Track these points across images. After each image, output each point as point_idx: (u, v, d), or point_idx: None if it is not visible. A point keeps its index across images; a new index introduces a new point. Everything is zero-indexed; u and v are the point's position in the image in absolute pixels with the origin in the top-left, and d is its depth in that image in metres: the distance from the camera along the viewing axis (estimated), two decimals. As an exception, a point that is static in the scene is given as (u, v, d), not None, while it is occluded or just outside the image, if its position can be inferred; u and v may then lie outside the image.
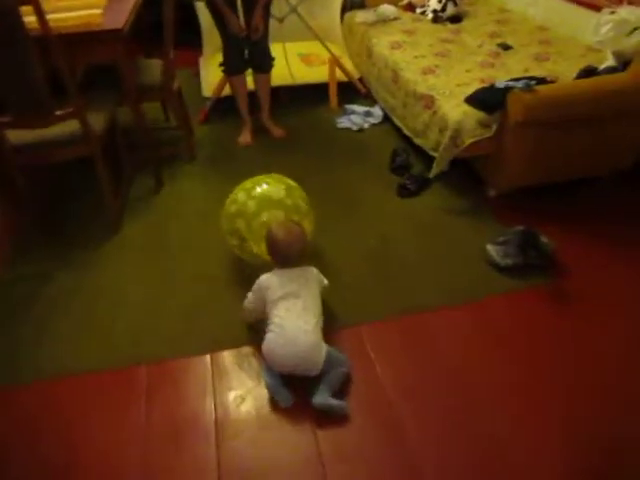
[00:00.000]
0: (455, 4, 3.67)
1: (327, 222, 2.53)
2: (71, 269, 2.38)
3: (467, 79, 2.77)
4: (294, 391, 1.80)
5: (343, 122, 3.47)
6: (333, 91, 3.66)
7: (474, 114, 2.48)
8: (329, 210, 2.67)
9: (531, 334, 2.02)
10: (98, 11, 2.53)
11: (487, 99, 2.45)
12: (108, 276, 2.34)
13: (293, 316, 1.76)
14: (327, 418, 1.73)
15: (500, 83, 2.49)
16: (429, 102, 2.72)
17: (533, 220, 2.50)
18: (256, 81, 3.31)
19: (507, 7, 3.86)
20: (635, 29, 2.44)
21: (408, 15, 3.79)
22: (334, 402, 1.72)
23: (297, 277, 1.84)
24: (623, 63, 2.54)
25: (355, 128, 3.42)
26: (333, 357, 1.79)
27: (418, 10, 3.83)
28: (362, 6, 4.04)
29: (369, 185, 2.89)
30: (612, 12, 2.58)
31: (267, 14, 3.07)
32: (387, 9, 3.69)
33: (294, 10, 3.38)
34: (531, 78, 2.52)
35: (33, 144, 2.29)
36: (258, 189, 2.12)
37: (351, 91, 3.76)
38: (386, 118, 3.46)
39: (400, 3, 3.92)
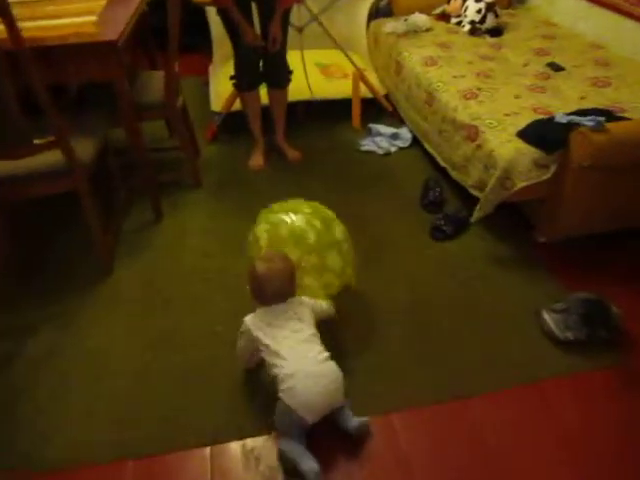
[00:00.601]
0: (496, 15, 3.28)
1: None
2: (52, 324, 2.03)
3: (516, 107, 2.39)
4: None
5: (367, 144, 3.10)
6: (356, 109, 3.29)
7: (529, 152, 2.10)
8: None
9: (595, 430, 1.65)
10: (91, 18, 2.17)
11: (546, 135, 2.07)
12: (94, 335, 1.99)
13: (302, 353, 1.59)
14: None
15: (561, 117, 2.11)
16: (472, 133, 2.34)
17: (592, 275, 2.16)
18: (271, 97, 2.95)
19: (553, 20, 3.47)
20: None
21: (442, 25, 3.40)
22: (363, 419, 1.61)
23: (284, 312, 1.66)
24: None
25: (380, 152, 3.05)
26: None
27: (453, 20, 3.45)
28: (389, 14, 3.66)
29: (397, 223, 2.52)
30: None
31: (286, 23, 2.71)
32: (419, 19, 3.30)
33: (316, 18, 3.01)
34: (596, 111, 2.14)
35: (6, 177, 1.93)
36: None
37: (375, 109, 3.39)
38: (415, 141, 3.08)
39: (433, 12, 3.53)
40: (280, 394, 1.55)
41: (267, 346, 1.61)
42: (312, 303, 1.74)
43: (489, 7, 3.25)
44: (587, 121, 1.97)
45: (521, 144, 2.13)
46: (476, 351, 1.89)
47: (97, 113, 2.33)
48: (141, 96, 2.59)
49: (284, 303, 1.67)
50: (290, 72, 2.86)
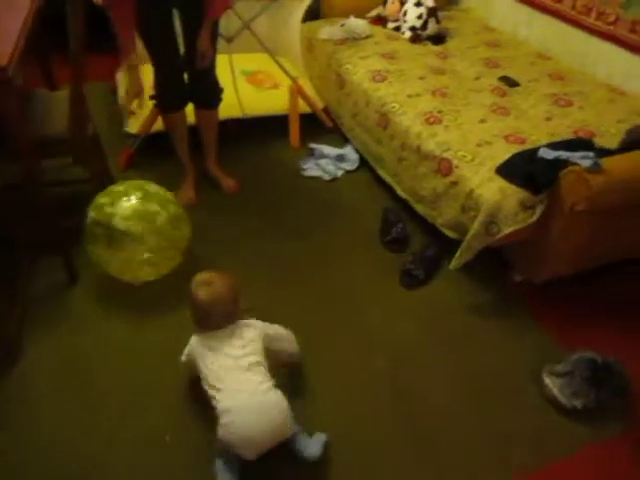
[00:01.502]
0: (437, 21, 3.04)
1: (308, 330, 1.86)
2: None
3: (486, 135, 2.16)
4: None
5: (311, 169, 2.77)
6: (295, 128, 2.93)
7: (514, 193, 1.87)
8: (308, 309, 2.01)
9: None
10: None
11: (532, 174, 1.84)
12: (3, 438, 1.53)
13: (242, 384, 1.46)
14: None
15: (546, 151, 1.89)
16: (444, 167, 2.08)
17: (582, 321, 2.01)
18: (199, 119, 2.52)
19: (491, 24, 3.29)
20: None
21: (380, 31, 3.11)
22: (321, 439, 1.53)
23: (229, 337, 1.53)
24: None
25: (327, 177, 2.73)
26: None
27: (390, 25, 3.17)
28: (317, 16, 3.31)
29: (359, 268, 2.22)
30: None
31: (215, 34, 2.29)
32: (357, 25, 2.99)
33: (247, 27, 2.60)
34: (577, 142, 1.95)
35: None
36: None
37: (313, 123, 3.04)
38: (362, 161, 2.79)
39: (368, 15, 3.23)
40: (218, 427, 1.43)
41: (206, 377, 1.49)
42: (263, 325, 1.60)
43: (430, 12, 3.01)
44: (579, 159, 1.77)
45: (504, 183, 1.90)
46: (472, 432, 1.65)
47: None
48: (40, 127, 2.08)
49: (229, 325, 1.55)
50: (221, 90, 2.45)
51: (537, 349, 1.90)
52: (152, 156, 2.75)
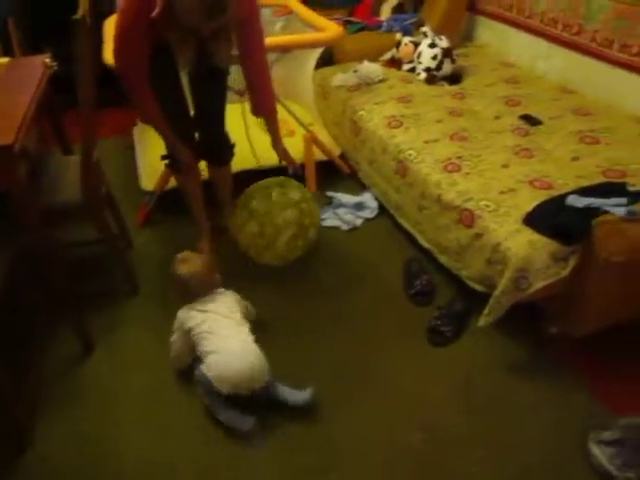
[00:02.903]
0: (452, 61, 2.98)
1: (332, 400, 1.78)
2: None
3: (510, 181, 2.05)
4: None
5: (329, 219, 2.69)
6: (311, 175, 2.86)
7: (544, 245, 1.76)
8: (330, 373, 1.90)
9: None
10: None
11: (563, 225, 1.73)
12: None
13: (233, 332, 1.74)
14: None
15: (575, 199, 1.78)
16: (467, 218, 1.98)
17: (627, 376, 1.83)
18: (212, 175, 2.49)
19: (509, 60, 3.21)
20: None
21: (394, 73, 3.06)
22: (306, 393, 1.72)
23: (213, 301, 1.82)
24: None
25: (346, 227, 2.65)
26: None
27: (405, 67, 3.12)
28: (330, 62, 3.28)
29: (383, 324, 2.12)
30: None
31: (224, 87, 2.26)
32: (371, 69, 2.94)
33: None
34: (608, 187, 1.84)
35: None
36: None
37: (330, 170, 2.98)
38: (382, 209, 2.70)
39: (381, 58, 3.20)
40: (201, 366, 1.69)
41: (198, 325, 1.74)
42: (237, 297, 1.89)
43: (445, 53, 2.95)
44: (612, 207, 1.65)
45: (533, 235, 1.78)
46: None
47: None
48: (52, 194, 2.06)
49: (212, 294, 1.83)
50: (233, 145, 2.41)
51: (581, 413, 1.75)
52: (170, 212, 2.71)
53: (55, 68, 2.36)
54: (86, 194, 2.00)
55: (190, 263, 1.84)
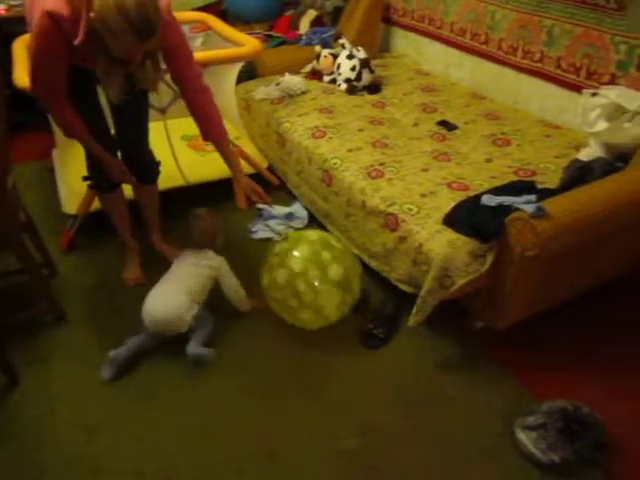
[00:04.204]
0: (371, 71, 3.08)
1: (272, 402, 1.82)
2: None
3: (430, 184, 2.14)
4: None
5: (260, 231, 2.71)
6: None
7: (463, 243, 1.85)
8: (265, 376, 1.94)
9: None
10: None
11: (478, 223, 1.82)
12: None
13: (173, 280, 2.04)
14: None
15: (489, 198, 1.89)
16: (391, 222, 2.04)
17: (546, 362, 1.97)
18: (138, 194, 2.44)
19: (425, 69, 3.35)
20: (635, 115, 1.96)
21: (316, 85, 3.12)
22: (204, 350, 1.95)
23: (188, 257, 2.10)
24: (617, 154, 2.07)
25: (278, 239, 2.65)
26: (203, 317, 2.03)
27: (326, 78, 3.19)
28: (253, 76, 3.31)
29: (318, 330, 2.13)
30: (594, 94, 2.10)
31: (145, 104, 2.24)
32: (293, 82, 2.99)
33: (179, 96, 2.55)
34: (518, 185, 1.96)
35: None
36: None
37: (259, 183, 2.97)
38: (312, 218, 2.74)
39: (302, 71, 3.25)
40: None
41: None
42: (222, 266, 2.11)
43: (363, 63, 3.04)
44: (522, 204, 1.76)
45: (452, 234, 1.87)
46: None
47: None
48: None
49: (199, 250, 2.10)
50: (158, 163, 2.38)
51: (508, 400, 1.84)
52: (95, 235, 2.64)
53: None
54: (2, 222, 1.92)
55: (204, 218, 2.16)
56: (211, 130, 2.06)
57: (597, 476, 1.62)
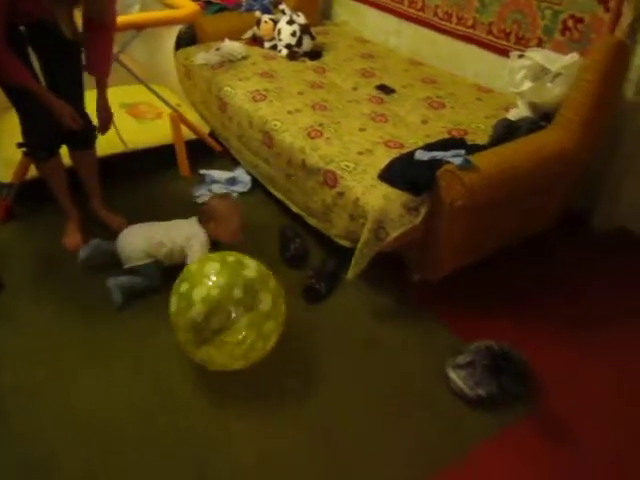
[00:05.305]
0: (312, 37, 3.10)
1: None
2: None
3: (367, 143, 2.21)
4: None
5: (203, 195, 2.71)
6: (182, 156, 2.87)
7: (397, 197, 1.92)
8: None
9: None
10: None
11: (411, 177, 1.90)
12: None
13: (143, 226, 2.20)
14: None
15: (421, 154, 1.96)
16: (329, 179, 2.10)
17: (478, 311, 2.08)
18: (76, 161, 2.41)
19: (365, 37, 3.40)
20: (556, 76, 2.08)
21: (257, 51, 3.12)
22: (117, 292, 2.05)
23: (190, 224, 2.16)
24: (541, 114, 2.18)
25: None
26: (148, 272, 2.11)
27: (267, 44, 3.19)
28: (193, 42, 3.27)
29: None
30: (520, 56, 2.20)
31: (79, 66, 2.19)
32: (233, 47, 2.98)
33: (116, 59, 2.51)
34: (450, 142, 2.04)
35: None
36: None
37: (202, 149, 2.99)
38: (255, 182, 2.77)
39: (243, 37, 3.24)
40: None
41: None
42: (197, 237, 2.09)
43: (303, 29, 3.06)
44: (452, 157, 1.85)
45: (387, 189, 1.94)
46: (386, 441, 1.66)
47: None
48: None
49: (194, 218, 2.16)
50: (94, 128, 2.34)
51: (443, 346, 1.94)
52: (33, 203, 2.59)
53: None
54: None
55: (224, 200, 2.21)
56: (102, 66, 2.17)
57: (519, 408, 1.74)
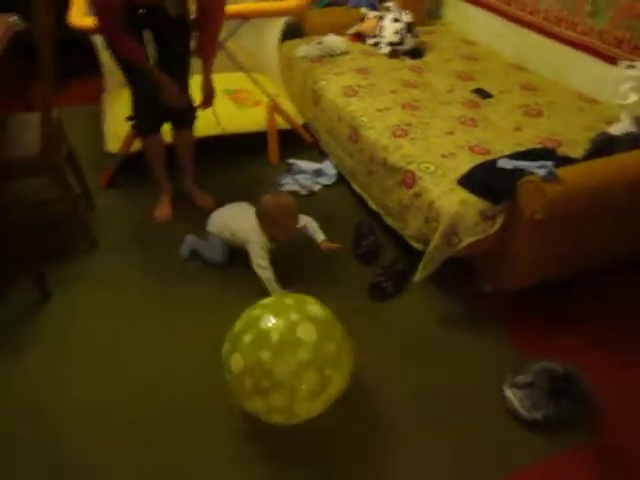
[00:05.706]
0: (414, 35, 3.07)
1: None
2: None
3: (452, 146, 2.17)
4: None
5: (288, 184, 2.79)
6: (273, 143, 2.96)
7: (474, 203, 1.87)
8: None
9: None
10: None
11: (492, 184, 1.85)
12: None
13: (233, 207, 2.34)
14: None
15: (505, 162, 1.90)
16: (408, 179, 2.09)
17: (548, 329, 1.99)
18: (176, 138, 2.57)
19: (471, 38, 3.31)
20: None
21: (358, 47, 3.14)
22: (186, 249, 2.32)
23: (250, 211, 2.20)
24: (646, 129, 2.03)
25: (304, 192, 2.75)
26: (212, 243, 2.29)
27: (369, 41, 3.20)
28: (300, 35, 3.35)
29: (331, 281, 2.22)
30: (630, 66, 2.05)
31: (188, 51, 2.34)
32: (334, 42, 3.03)
33: (222, 46, 2.64)
34: (539, 152, 1.95)
35: None
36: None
37: (294, 140, 3.07)
38: (341, 177, 2.80)
39: (347, 32, 3.27)
40: None
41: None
42: (253, 250, 2.10)
43: (408, 27, 3.04)
44: (536, 168, 1.77)
45: (465, 194, 1.90)
46: (434, 449, 1.64)
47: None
48: (11, 149, 2.13)
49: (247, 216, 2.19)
50: (195, 109, 2.49)
51: (505, 360, 1.88)
52: (134, 174, 2.79)
53: (19, 28, 2.41)
54: (44, 148, 2.07)
55: (272, 202, 2.14)
56: (209, 47, 2.29)
57: (574, 435, 1.65)
